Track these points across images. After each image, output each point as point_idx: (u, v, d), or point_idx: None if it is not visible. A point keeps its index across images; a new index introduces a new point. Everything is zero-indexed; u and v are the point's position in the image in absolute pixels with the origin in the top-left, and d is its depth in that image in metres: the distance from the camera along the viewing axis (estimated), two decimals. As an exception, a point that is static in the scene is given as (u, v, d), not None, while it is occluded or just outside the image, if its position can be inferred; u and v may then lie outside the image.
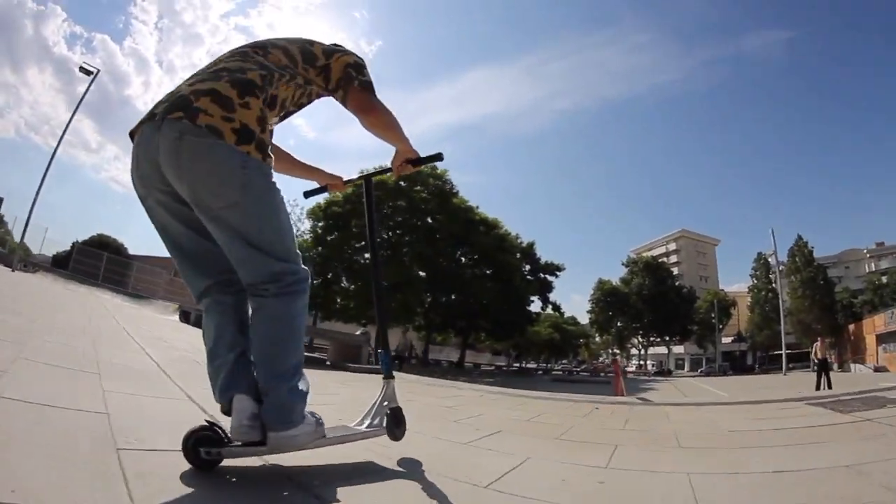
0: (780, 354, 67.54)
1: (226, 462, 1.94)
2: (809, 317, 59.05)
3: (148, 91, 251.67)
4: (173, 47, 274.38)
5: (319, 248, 34.73)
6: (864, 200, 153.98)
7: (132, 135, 1.93)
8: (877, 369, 39.72)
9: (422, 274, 37.00)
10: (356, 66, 2.23)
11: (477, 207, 40.03)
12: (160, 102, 1.90)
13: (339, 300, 34.93)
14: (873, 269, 79.54)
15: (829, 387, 16.47)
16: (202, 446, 1.84)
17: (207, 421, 1.95)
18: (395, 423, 2.50)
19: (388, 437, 2.48)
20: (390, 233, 36.92)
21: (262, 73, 1.97)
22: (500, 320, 41.41)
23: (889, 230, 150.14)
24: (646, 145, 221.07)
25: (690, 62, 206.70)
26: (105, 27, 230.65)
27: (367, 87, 2.22)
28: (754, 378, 40.39)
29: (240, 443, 1.88)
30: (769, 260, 67.58)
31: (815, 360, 18.79)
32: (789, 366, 49.74)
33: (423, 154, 2.51)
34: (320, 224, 36.19)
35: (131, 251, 50.94)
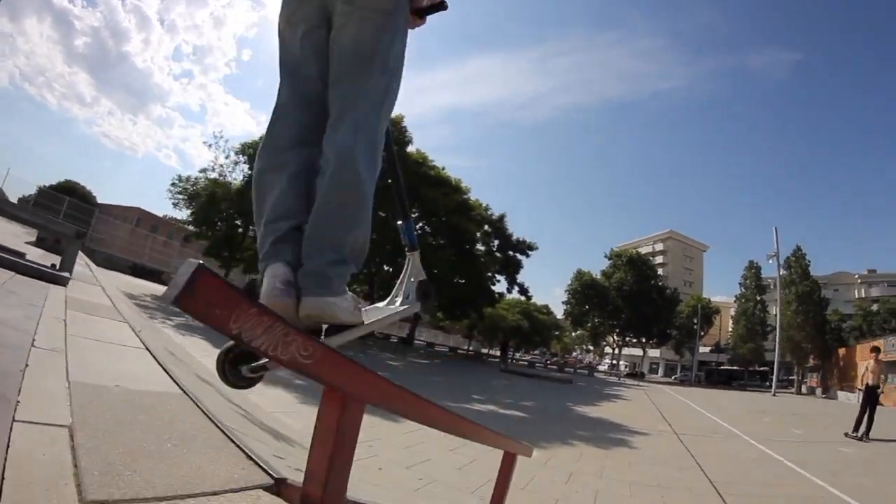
0: (762, 370, 66.38)
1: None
2: (801, 334, 55.46)
3: (147, 48, 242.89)
4: (176, 6, 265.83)
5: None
6: (856, 226, 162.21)
7: None
8: None
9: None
10: None
11: (444, 169, 34.68)
12: None
13: None
14: (863, 296, 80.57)
15: (870, 427, 12.40)
16: (244, 363, 1.70)
17: None
18: (423, 296, 2.24)
19: (420, 310, 2.28)
20: None
21: None
22: (453, 296, 36.19)
23: (879, 258, 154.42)
24: (642, 147, 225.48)
25: (694, 71, 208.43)
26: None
27: None
28: (742, 396, 36.01)
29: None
30: (765, 266, 64.67)
31: (861, 388, 13.48)
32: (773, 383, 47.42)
33: None
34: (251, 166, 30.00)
35: (100, 200, 51.82)
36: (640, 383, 47.38)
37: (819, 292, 58.90)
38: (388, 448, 6.39)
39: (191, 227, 30.32)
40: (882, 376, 13.43)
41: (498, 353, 58.31)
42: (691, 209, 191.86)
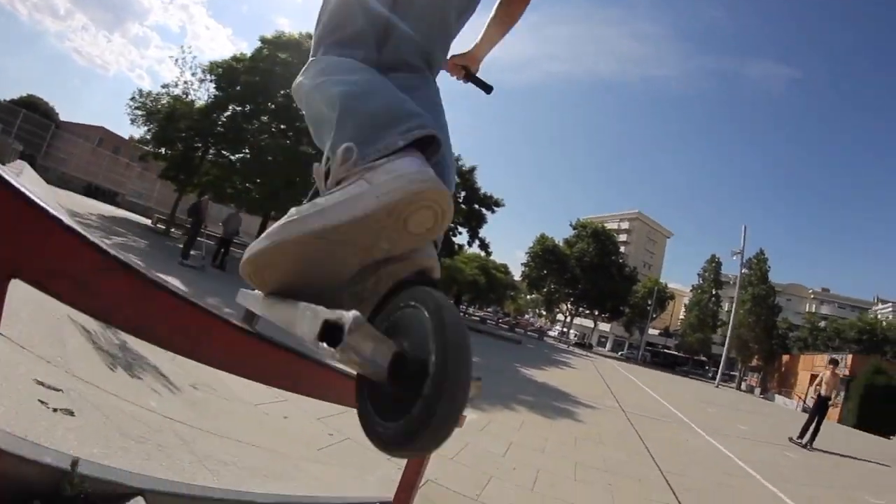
0: (702, 360, 69.29)
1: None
2: (750, 334, 56.96)
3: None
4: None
5: (218, 115, 26.79)
6: (819, 244, 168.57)
7: None
8: (804, 409, 36.18)
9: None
10: None
11: None
12: None
13: (237, 182, 27.22)
14: (813, 311, 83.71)
15: (815, 436, 12.16)
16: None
17: None
18: None
19: None
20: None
21: None
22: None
23: (834, 280, 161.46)
24: (624, 126, 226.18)
25: (690, 65, 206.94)
26: None
27: None
28: (686, 382, 36.47)
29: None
30: (726, 263, 67.65)
31: (815, 395, 13.19)
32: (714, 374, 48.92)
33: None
34: (218, 87, 27.45)
35: (64, 118, 48.69)
36: (588, 354, 47.94)
37: (773, 298, 60.43)
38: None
39: (147, 147, 28.07)
40: (835, 390, 13.17)
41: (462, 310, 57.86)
42: (663, 196, 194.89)
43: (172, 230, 25.85)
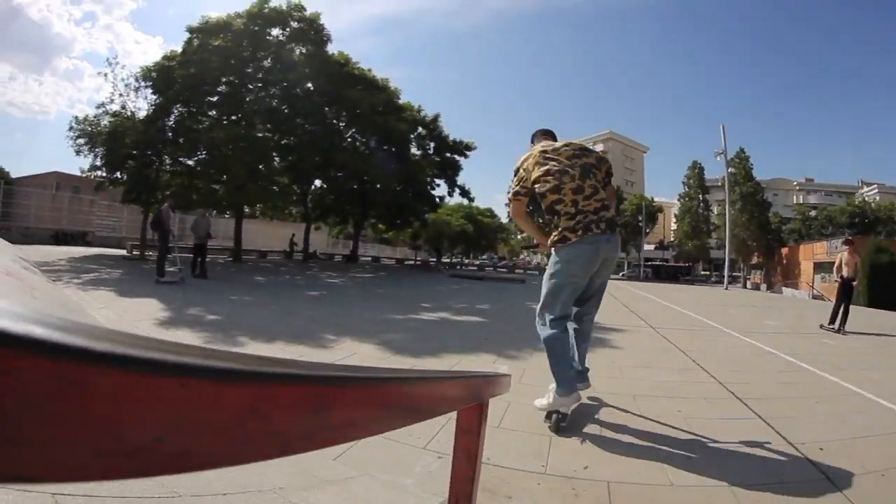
0: (707, 266, 69.59)
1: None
2: (746, 233, 57.87)
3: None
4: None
5: (164, 121, 25.01)
6: (793, 136, 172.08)
7: (580, 239, 3.94)
8: (815, 297, 36.56)
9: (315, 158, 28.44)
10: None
11: (369, 70, 31.11)
12: (597, 221, 3.92)
13: (201, 186, 25.82)
14: (801, 202, 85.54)
15: (845, 320, 11.76)
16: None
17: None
18: None
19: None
20: (275, 100, 27.29)
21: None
22: (392, 203, 34.41)
23: (815, 169, 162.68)
24: (578, 54, 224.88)
25: None
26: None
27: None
28: (697, 290, 35.55)
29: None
30: (708, 167, 68.30)
31: (839, 279, 12.74)
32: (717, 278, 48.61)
33: None
34: (156, 91, 25.32)
35: (14, 174, 50.51)
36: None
37: (762, 194, 60.90)
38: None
39: (97, 175, 25.80)
40: (857, 270, 12.71)
41: (447, 261, 57.01)
42: (631, 112, 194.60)
43: (148, 252, 24.10)
